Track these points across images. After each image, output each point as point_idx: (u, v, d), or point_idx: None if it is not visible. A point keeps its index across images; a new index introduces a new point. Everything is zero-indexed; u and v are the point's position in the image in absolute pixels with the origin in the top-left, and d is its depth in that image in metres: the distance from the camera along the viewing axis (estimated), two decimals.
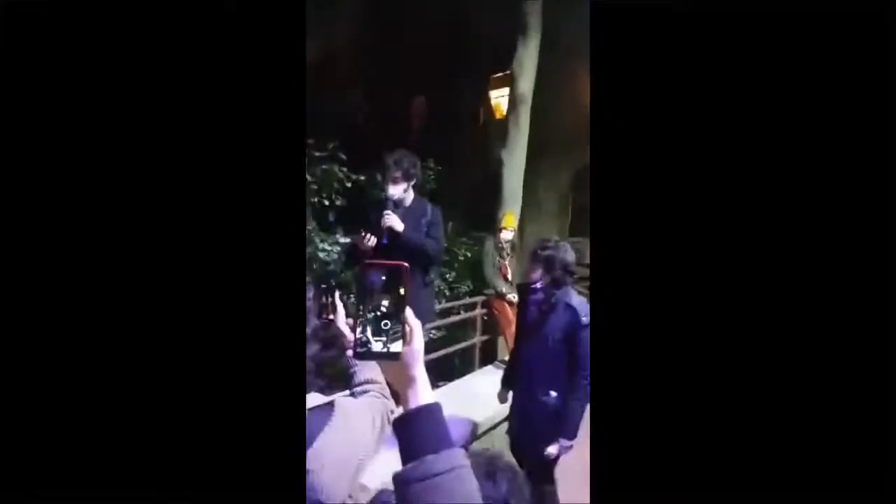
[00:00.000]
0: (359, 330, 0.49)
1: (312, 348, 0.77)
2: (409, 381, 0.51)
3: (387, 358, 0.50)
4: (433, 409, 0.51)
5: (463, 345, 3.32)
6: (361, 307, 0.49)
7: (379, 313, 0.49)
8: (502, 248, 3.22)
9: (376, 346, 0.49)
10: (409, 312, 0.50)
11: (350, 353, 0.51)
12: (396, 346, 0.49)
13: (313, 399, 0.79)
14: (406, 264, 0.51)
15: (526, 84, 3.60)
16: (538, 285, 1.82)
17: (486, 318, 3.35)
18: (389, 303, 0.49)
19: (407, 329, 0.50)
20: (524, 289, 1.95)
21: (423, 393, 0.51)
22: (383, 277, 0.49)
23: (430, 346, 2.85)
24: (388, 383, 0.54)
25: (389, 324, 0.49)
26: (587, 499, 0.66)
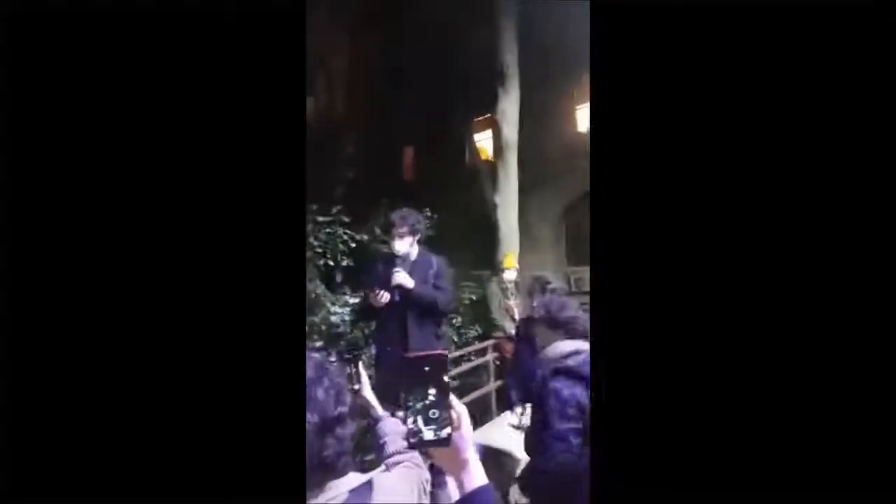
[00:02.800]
0: (409, 421, 0.52)
1: (350, 425, 0.78)
2: (462, 464, 0.53)
3: (439, 444, 0.53)
4: (487, 491, 0.53)
5: (477, 393, 3.26)
6: (410, 399, 0.52)
7: (427, 402, 0.52)
8: (506, 289, 3.25)
9: (428, 435, 0.52)
10: (453, 398, 0.53)
11: (405, 444, 0.53)
12: (445, 432, 0.52)
13: (352, 479, 0.78)
14: (446, 352, 0.54)
15: (510, 130, 3.78)
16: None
17: (497, 362, 3.31)
18: (435, 391, 0.52)
19: (454, 415, 0.52)
20: (529, 322, 2.02)
21: (476, 475, 0.54)
22: (426, 368, 0.52)
23: None
24: (440, 467, 0.55)
25: (437, 412, 0.52)
26: None
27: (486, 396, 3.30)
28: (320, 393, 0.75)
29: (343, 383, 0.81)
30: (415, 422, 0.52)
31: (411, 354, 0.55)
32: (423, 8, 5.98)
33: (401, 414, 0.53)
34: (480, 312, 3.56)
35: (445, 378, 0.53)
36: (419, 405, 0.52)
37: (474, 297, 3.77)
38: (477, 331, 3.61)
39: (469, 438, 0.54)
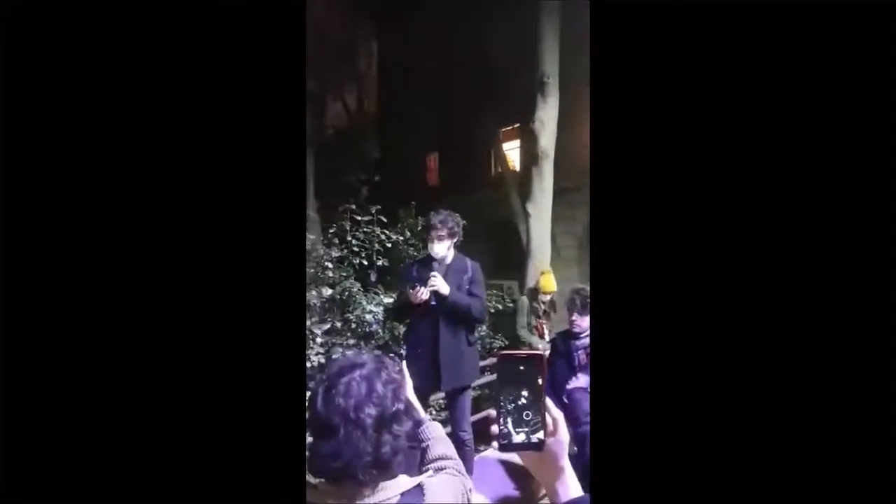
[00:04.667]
0: (500, 422, 0.49)
1: (406, 423, 0.75)
2: (557, 472, 0.50)
3: (530, 449, 0.49)
4: (583, 503, 0.49)
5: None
6: (502, 399, 0.49)
7: (519, 404, 0.49)
8: (539, 307, 3.12)
9: (518, 438, 0.49)
10: (549, 402, 0.50)
11: (496, 444, 0.50)
12: (538, 436, 0.49)
13: (402, 482, 0.75)
14: (541, 353, 0.51)
15: (547, 140, 3.73)
16: (587, 332, 1.89)
17: (495, 373, 3.17)
18: (529, 393, 0.49)
19: (549, 419, 0.49)
20: (567, 335, 1.97)
21: (571, 485, 0.50)
22: (521, 368, 0.49)
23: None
24: (532, 474, 0.52)
25: (531, 414, 0.49)
26: None
27: None
28: (379, 387, 0.72)
29: (400, 380, 0.78)
30: (504, 423, 0.49)
31: (505, 352, 0.52)
32: (457, 13, 6.03)
33: (493, 413, 0.50)
34: (504, 323, 3.48)
35: (540, 380, 0.49)
36: (511, 406, 0.49)
37: (500, 307, 3.71)
38: (502, 342, 3.54)
39: (566, 446, 0.50)
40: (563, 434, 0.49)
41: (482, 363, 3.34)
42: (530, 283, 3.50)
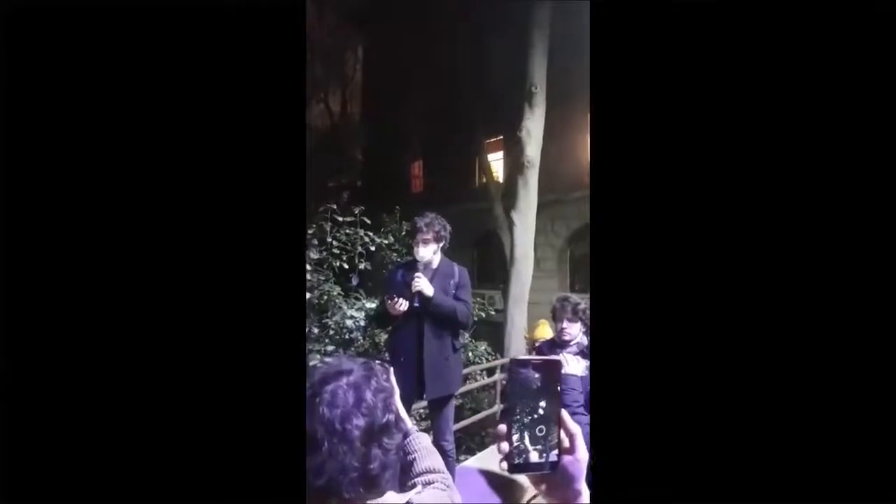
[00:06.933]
0: (515, 437, 0.42)
1: (396, 436, 0.69)
2: (573, 496, 0.43)
3: (541, 469, 0.43)
4: None
5: (484, 414, 3.14)
6: (518, 411, 0.43)
7: (536, 417, 0.43)
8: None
9: (533, 456, 0.43)
10: (565, 415, 0.44)
11: (505, 465, 0.43)
12: (553, 455, 0.43)
13: (389, 499, 0.69)
14: (558, 359, 0.46)
15: (533, 149, 3.75)
16: (577, 339, 1.90)
17: (506, 382, 3.16)
18: (546, 405, 0.43)
19: (563, 435, 0.43)
20: (555, 343, 1.96)
21: None
22: (536, 375, 0.43)
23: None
24: (518, 489, 0.46)
25: (545, 429, 0.43)
26: None
27: (489, 419, 3.17)
28: (369, 396, 0.66)
29: (390, 388, 0.73)
30: (521, 439, 0.42)
31: (518, 359, 0.46)
32: (446, 21, 6.08)
33: (503, 427, 0.44)
34: (489, 331, 3.45)
35: (559, 388, 0.44)
36: (527, 419, 0.43)
37: (483, 315, 3.67)
38: (488, 351, 3.49)
39: (584, 466, 0.44)
40: (582, 452, 0.43)
41: (467, 370, 3.30)
42: (514, 293, 3.48)
